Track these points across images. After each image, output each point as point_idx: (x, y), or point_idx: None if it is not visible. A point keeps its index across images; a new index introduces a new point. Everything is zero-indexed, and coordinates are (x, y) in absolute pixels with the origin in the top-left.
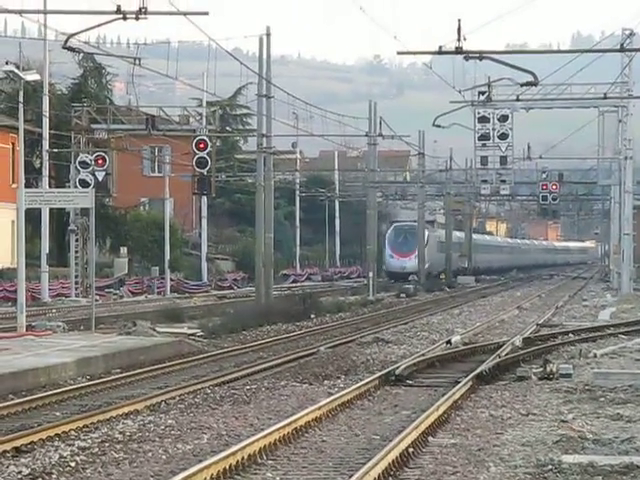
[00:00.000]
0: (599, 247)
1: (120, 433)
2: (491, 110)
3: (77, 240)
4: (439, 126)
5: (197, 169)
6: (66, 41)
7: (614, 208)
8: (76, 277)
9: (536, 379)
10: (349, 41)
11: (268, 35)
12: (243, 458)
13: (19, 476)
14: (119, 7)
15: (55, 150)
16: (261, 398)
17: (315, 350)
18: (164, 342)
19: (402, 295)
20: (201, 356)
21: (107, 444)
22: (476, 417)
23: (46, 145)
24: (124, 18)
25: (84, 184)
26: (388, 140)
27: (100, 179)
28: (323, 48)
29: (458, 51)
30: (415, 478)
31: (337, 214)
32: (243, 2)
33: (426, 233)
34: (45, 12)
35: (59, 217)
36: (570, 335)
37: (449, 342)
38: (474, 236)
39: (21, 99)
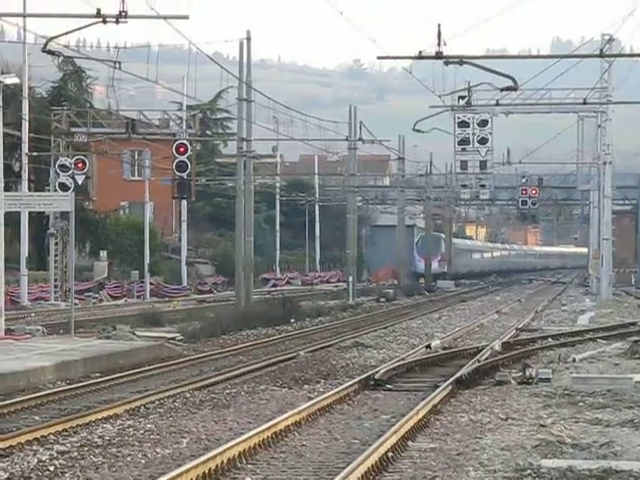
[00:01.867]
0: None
1: (99, 437)
2: (471, 115)
3: (57, 244)
4: (419, 131)
5: (177, 173)
6: (46, 44)
7: (593, 213)
8: (55, 281)
9: (515, 383)
10: (329, 45)
11: (248, 39)
12: (223, 462)
13: None
14: (99, 10)
15: (35, 153)
16: (241, 402)
17: (295, 354)
18: (144, 346)
19: (382, 299)
20: (181, 360)
21: (86, 448)
22: (455, 421)
23: (26, 148)
24: (104, 22)
25: (64, 188)
26: (368, 144)
27: (80, 183)
28: (303, 52)
29: (438, 56)
30: None
31: (317, 218)
32: (224, 6)
33: (442, 241)
34: (25, 15)
35: (39, 221)
36: (549, 340)
37: (429, 346)
38: (471, 242)
39: (0, 102)
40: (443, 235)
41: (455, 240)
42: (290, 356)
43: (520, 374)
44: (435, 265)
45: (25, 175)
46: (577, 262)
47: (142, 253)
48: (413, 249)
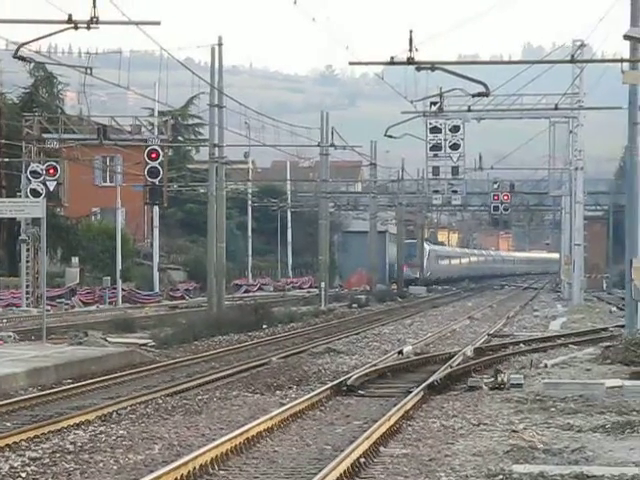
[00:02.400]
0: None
1: (71, 443)
2: (443, 121)
3: (28, 250)
4: (391, 136)
5: (149, 179)
6: (17, 50)
7: (565, 218)
8: (27, 287)
9: (487, 389)
10: (301, 51)
11: (220, 45)
12: (195, 468)
13: None
14: (70, 16)
15: (6, 160)
16: (213, 408)
17: (267, 360)
18: (115, 352)
19: (354, 305)
20: (153, 366)
21: (58, 454)
22: (427, 427)
23: None
24: (75, 27)
25: (35, 194)
26: (340, 150)
27: (51, 189)
28: (275, 58)
29: (410, 62)
30: None
31: (289, 224)
32: (195, 12)
33: (427, 247)
34: None
35: (10, 227)
36: (521, 345)
37: (401, 352)
38: (450, 248)
39: None
40: (426, 244)
41: (434, 246)
42: (262, 362)
43: (492, 380)
44: (416, 272)
45: None
46: (554, 268)
47: (114, 259)
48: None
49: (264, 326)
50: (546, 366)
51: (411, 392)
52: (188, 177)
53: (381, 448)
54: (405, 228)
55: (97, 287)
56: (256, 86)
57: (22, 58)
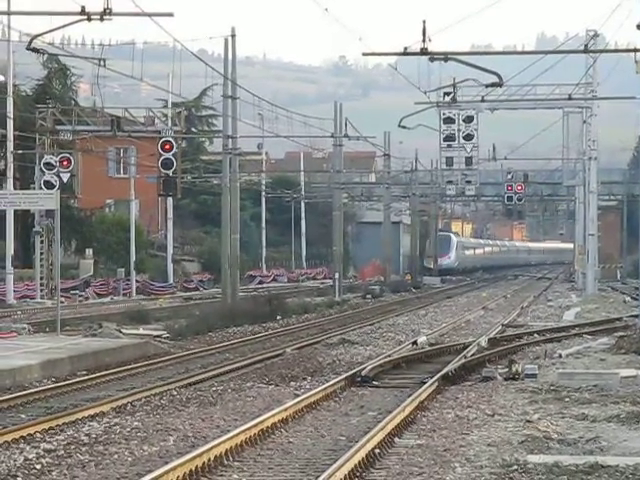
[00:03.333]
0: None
1: (86, 435)
2: (456, 111)
3: (42, 242)
4: (404, 127)
5: (162, 170)
6: (30, 42)
7: (579, 208)
8: (41, 279)
9: (501, 379)
10: (314, 42)
11: (233, 36)
12: (209, 459)
13: None
14: (83, 8)
15: (20, 151)
16: (227, 399)
17: (281, 351)
18: (130, 344)
19: (368, 296)
20: (167, 358)
21: (73, 446)
22: (442, 418)
23: (11, 147)
24: (89, 19)
25: (49, 185)
26: (354, 141)
27: (65, 180)
28: (289, 49)
29: (423, 52)
30: (381, 479)
31: (303, 215)
32: (208, 3)
33: (454, 239)
34: (9, 13)
35: (24, 219)
36: (535, 335)
37: (415, 343)
38: (475, 240)
39: None
40: (453, 235)
41: (461, 238)
42: (276, 353)
43: (506, 370)
44: (447, 261)
45: (10, 173)
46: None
47: (128, 251)
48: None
49: (278, 317)
50: (560, 356)
51: (425, 383)
52: (202, 168)
53: (396, 439)
54: (419, 219)
55: (111, 279)
56: (269, 77)
57: (35, 50)
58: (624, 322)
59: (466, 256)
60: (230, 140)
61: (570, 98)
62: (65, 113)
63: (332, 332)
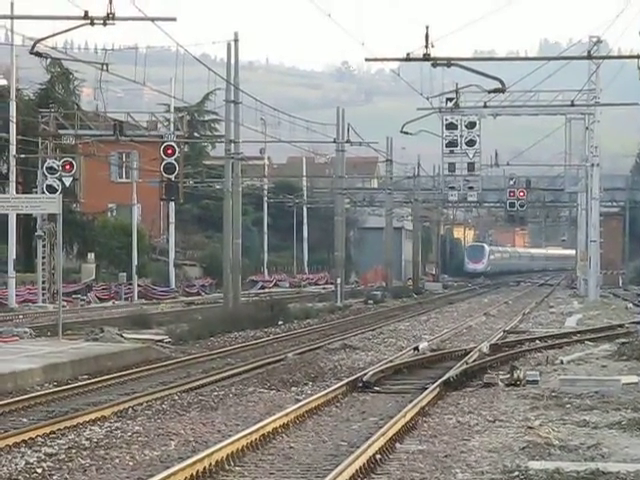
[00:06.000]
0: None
1: (87, 439)
2: (459, 117)
3: (44, 246)
4: (407, 133)
5: (165, 175)
6: (33, 46)
7: (581, 215)
8: (43, 283)
9: (503, 386)
10: (317, 48)
11: (236, 41)
12: (210, 464)
13: None
14: (87, 12)
15: (22, 156)
16: (229, 404)
17: (283, 357)
18: (131, 348)
19: (370, 302)
20: (169, 362)
21: (74, 450)
22: (443, 423)
23: (13, 150)
24: (92, 23)
25: (51, 190)
26: (356, 146)
27: (67, 185)
28: (291, 54)
29: (426, 58)
30: None
31: (305, 220)
32: (211, 8)
33: (487, 248)
34: (12, 17)
35: (26, 223)
36: (537, 342)
37: (416, 349)
38: (502, 247)
39: None
40: (486, 245)
41: (491, 247)
42: (278, 358)
43: (508, 376)
44: (480, 266)
45: (13, 177)
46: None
47: (130, 255)
48: (464, 254)
49: (280, 322)
50: (562, 362)
51: (427, 388)
52: (204, 173)
53: (397, 444)
54: (421, 224)
55: (113, 283)
56: (272, 82)
57: (38, 54)
58: (626, 329)
59: (494, 262)
60: (232, 145)
61: (573, 104)
62: (68, 117)
63: (334, 337)
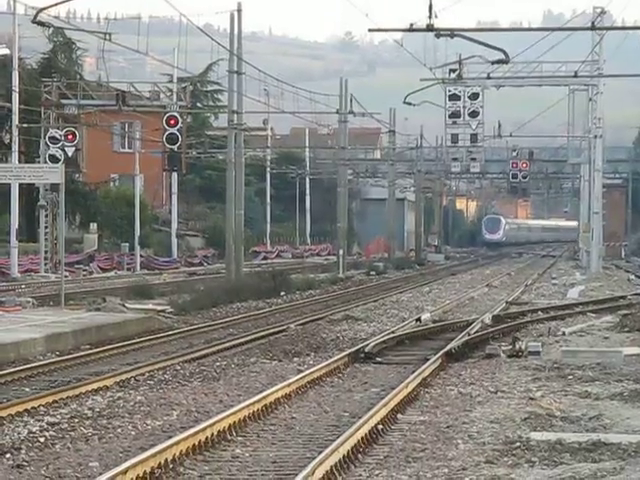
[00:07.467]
0: None
1: (89, 409)
2: (462, 88)
3: (47, 216)
4: (410, 104)
5: (167, 145)
6: (36, 15)
7: (584, 186)
8: (46, 253)
9: (505, 357)
10: (320, 18)
11: (239, 11)
12: (213, 434)
13: None
14: None
15: (25, 125)
16: (231, 375)
17: (285, 327)
18: (134, 318)
19: (372, 273)
20: (171, 332)
21: (76, 420)
22: (445, 394)
23: (16, 120)
24: None
25: (54, 159)
26: (359, 117)
27: (70, 155)
28: (295, 25)
29: (429, 28)
30: (384, 455)
31: (308, 191)
32: None
33: (503, 220)
34: None
35: (29, 192)
36: (539, 313)
37: (419, 320)
38: (519, 219)
39: None
40: (502, 217)
41: (507, 219)
42: (280, 329)
43: (510, 347)
44: (496, 236)
45: (15, 147)
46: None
47: (132, 225)
48: (482, 225)
49: (282, 293)
50: (564, 334)
51: (429, 359)
52: (207, 144)
53: (399, 415)
54: (424, 195)
55: (115, 253)
56: (275, 53)
57: (41, 23)
58: (628, 300)
59: (509, 233)
60: (235, 115)
61: (576, 75)
62: (70, 87)
63: (336, 308)
